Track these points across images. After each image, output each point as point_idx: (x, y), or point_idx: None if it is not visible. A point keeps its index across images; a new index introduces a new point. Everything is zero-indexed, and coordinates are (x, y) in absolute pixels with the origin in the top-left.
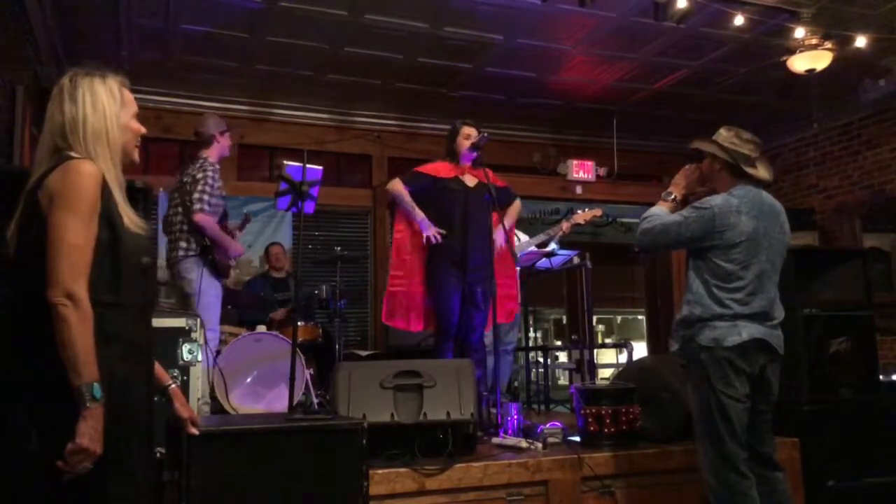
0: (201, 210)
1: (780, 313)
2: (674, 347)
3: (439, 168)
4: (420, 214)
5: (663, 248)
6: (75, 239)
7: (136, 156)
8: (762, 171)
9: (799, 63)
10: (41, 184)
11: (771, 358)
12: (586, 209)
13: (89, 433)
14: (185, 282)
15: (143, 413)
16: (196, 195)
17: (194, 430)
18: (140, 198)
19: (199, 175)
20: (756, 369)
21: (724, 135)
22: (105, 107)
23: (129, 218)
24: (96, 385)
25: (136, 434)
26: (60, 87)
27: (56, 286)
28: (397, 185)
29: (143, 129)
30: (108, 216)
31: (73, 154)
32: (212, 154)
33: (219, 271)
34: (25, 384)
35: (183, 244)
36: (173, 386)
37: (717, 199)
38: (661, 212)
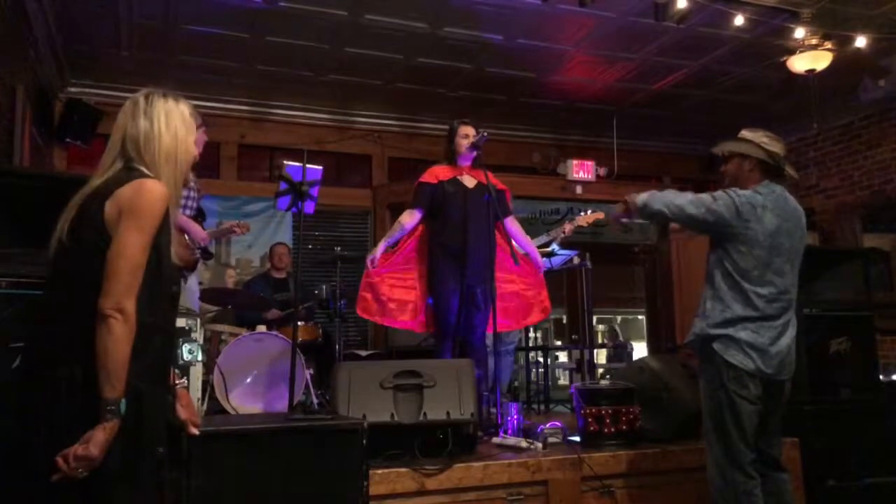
0: None
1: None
2: (690, 338)
3: (437, 172)
4: (381, 248)
5: (690, 221)
6: (138, 258)
7: (190, 177)
8: (790, 170)
9: (799, 63)
10: (110, 193)
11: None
12: (589, 211)
13: (101, 445)
14: None
15: (159, 431)
16: None
17: (194, 431)
18: None
19: None
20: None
21: (751, 134)
22: (177, 129)
23: (173, 246)
24: (123, 401)
25: (150, 451)
26: (135, 102)
27: (111, 297)
28: (406, 218)
29: (198, 154)
30: (159, 242)
31: (144, 170)
32: None
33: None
34: (62, 384)
35: None
36: (179, 387)
37: (743, 191)
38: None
